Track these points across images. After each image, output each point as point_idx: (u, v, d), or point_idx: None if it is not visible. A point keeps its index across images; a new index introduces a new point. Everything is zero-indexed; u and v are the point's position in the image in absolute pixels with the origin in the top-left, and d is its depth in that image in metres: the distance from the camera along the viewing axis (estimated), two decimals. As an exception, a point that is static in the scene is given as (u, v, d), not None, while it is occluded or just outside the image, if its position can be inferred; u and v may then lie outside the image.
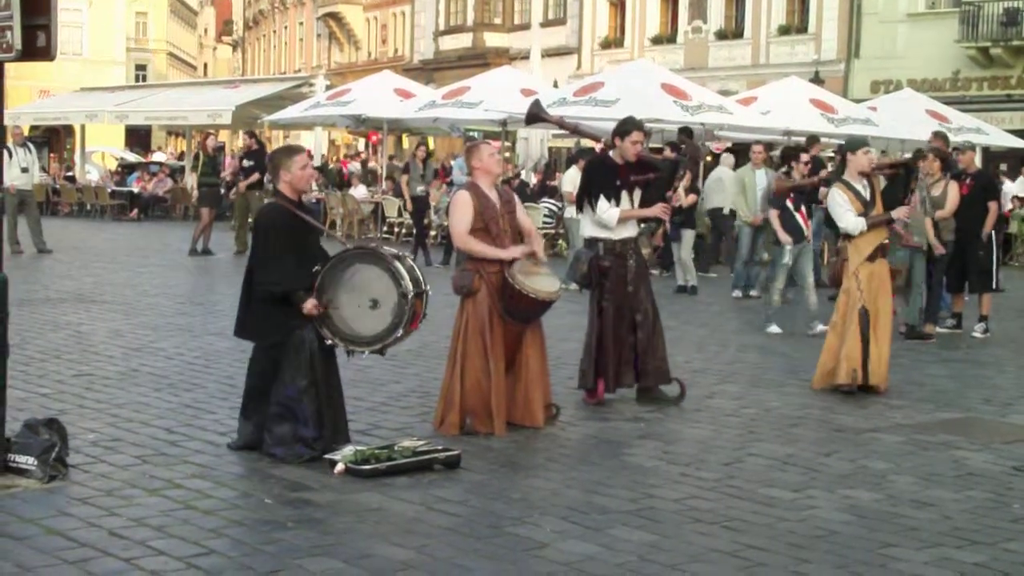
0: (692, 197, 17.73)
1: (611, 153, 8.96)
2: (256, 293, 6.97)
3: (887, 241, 9.81)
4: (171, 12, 78.01)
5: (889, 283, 9.84)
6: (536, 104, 9.95)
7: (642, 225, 9.12)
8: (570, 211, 16.94)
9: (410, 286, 6.82)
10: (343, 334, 6.91)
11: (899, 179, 9.90)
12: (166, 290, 15.43)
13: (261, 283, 6.89)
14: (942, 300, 13.48)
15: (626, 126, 8.84)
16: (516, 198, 8.25)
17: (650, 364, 8.91)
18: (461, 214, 7.82)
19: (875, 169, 9.83)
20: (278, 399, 6.91)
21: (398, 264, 6.89)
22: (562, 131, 26.12)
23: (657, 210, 8.86)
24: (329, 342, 6.92)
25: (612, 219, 8.72)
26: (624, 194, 8.79)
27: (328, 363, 7.05)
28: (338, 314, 6.90)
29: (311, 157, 8.16)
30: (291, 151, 7.29)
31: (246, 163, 21.61)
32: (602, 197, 8.71)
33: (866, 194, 9.68)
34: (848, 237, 9.70)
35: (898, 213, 9.70)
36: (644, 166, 8.86)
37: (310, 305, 6.80)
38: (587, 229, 8.93)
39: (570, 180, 17.32)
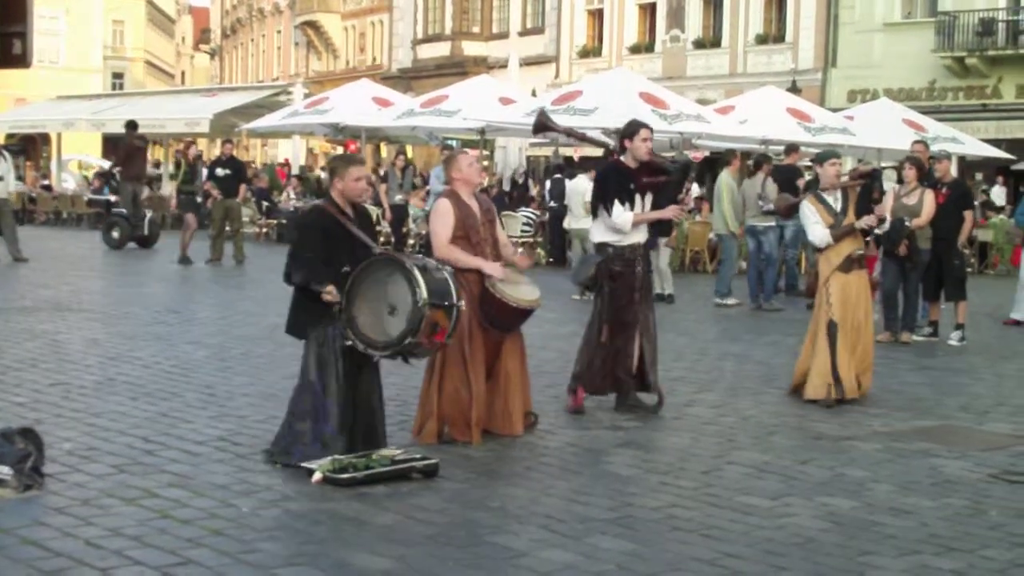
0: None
1: (622, 158, 8.99)
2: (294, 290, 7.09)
3: (863, 252, 9.84)
4: (148, 20, 77.74)
5: (869, 294, 9.89)
6: (543, 114, 9.99)
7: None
8: (579, 221, 16.86)
9: (424, 295, 6.81)
10: (362, 336, 6.92)
11: (864, 189, 9.94)
12: (143, 299, 15.35)
13: (285, 276, 6.99)
14: (919, 308, 13.54)
15: (632, 127, 8.91)
16: (495, 208, 8.27)
17: (651, 374, 8.94)
18: (443, 222, 7.81)
19: (842, 185, 9.88)
20: (304, 395, 7.00)
21: (418, 273, 6.89)
22: (545, 140, 26.12)
23: (670, 212, 8.91)
24: (349, 342, 6.94)
25: (627, 223, 8.74)
26: (636, 198, 8.84)
27: (363, 369, 7.08)
28: (359, 316, 6.92)
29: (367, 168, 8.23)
30: (349, 160, 7.34)
31: (220, 172, 21.38)
32: (616, 202, 8.74)
33: (837, 206, 9.75)
34: (820, 249, 9.79)
35: (862, 222, 9.74)
36: (655, 169, 8.91)
37: (330, 291, 6.84)
38: (597, 234, 8.96)
39: (578, 190, 17.20)
